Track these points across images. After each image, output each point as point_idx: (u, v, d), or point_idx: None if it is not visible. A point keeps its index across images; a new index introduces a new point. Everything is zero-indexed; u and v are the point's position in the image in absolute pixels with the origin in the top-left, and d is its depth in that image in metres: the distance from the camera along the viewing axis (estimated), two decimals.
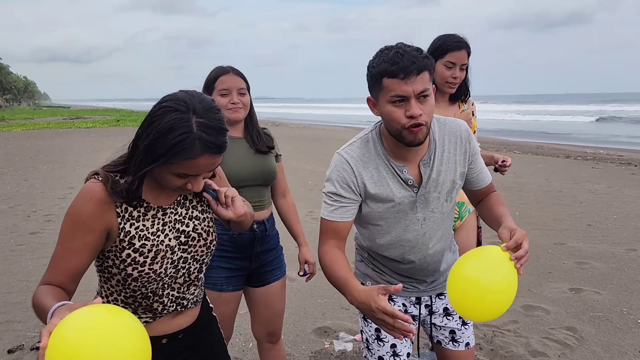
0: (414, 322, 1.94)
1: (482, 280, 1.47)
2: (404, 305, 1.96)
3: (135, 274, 1.42)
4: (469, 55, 2.60)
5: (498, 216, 1.74)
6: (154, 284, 1.46)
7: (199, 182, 1.41)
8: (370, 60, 1.66)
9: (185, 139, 1.28)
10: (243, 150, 2.31)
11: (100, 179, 1.39)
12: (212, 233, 1.58)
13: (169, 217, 1.48)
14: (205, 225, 1.56)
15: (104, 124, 30.48)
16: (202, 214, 1.57)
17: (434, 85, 1.67)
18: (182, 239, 1.50)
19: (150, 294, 1.48)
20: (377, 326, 1.80)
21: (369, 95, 1.70)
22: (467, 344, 2.00)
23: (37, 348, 3.45)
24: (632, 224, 6.64)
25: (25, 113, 50.88)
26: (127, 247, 1.40)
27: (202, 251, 1.55)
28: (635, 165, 12.59)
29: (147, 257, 1.43)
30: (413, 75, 1.55)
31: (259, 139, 2.36)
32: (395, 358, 1.89)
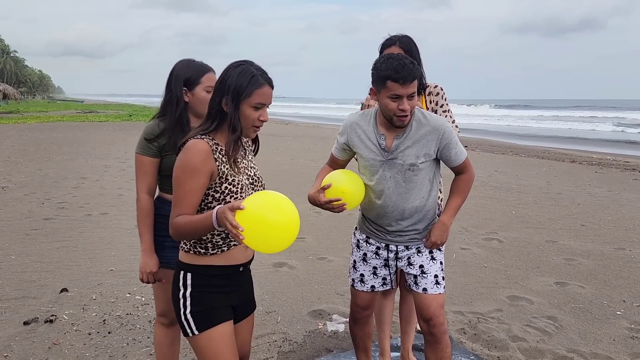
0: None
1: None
2: (377, 248, 2.62)
3: (232, 201, 1.90)
4: (419, 79, 2.39)
5: (445, 206, 2.56)
6: None
7: (266, 113, 1.96)
8: (376, 62, 2.35)
9: (254, 75, 1.90)
10: None
11: (198, 137, 1.90)
12: (262, 179, 2.14)
13: (241, 164, 2.02)
14: (259, 173, 2.12)
15: (117, 118, 30.93)
16: (255, 166, 2.14)
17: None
18: (250, 180, 2.04)
19: None
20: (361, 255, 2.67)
21: (372, 87, 2.40)
22: (425, 289, 2.53)
23: (51, 321, 3.72)
24: (625, 225, 6.82)
25: (40, 106, 51.57)
26: (224, 181, 1.92)
27: (261, 189, 2.07)
28: None
29: (237, 188, 1.95)
30: (409, 82, 2.26)
31: None
32: (361, 283, 2.66)
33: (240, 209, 1.69)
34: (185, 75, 2.47)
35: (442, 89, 2.99)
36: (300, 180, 9.62)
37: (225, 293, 2.02)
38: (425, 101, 2.99)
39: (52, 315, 3.81)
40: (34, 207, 7.40)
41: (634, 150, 19.79)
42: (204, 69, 2.49)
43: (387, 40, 2.90)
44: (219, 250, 1.99)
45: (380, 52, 2.88)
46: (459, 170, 2.55)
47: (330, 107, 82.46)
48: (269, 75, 1.96)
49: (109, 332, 3.59)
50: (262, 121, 1.96)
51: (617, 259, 5.32)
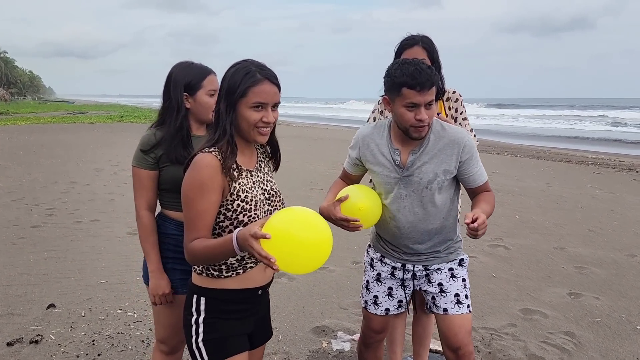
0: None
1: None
2: (392, 268, 2.40)
3: (245, 219, 1.75)
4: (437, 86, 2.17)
5: (475, 207, 2.20)
6: None
7: (270, 113, 1.76)
8: (390, 68, 2.13)
9: (249, 71, 1.72)
10: None
11: (205, 151, 1.73)
12: (280, 193, 1.95)
13: (255, 177, 1.84)
14: (276, 186, 1.94)
15: (108, 119, 30.55)
16: (272, 179, 1.95)
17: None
18: (266, 195, 1.86)
19: None
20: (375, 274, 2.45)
21: (385, 95, 2.19)
22: (445, 310, 2.31)
23: (37, 341, 3.47)
24: (632, 229, 6.65)
25: (30, 107, 50.99)
26: (236, 198, 1.75)
27: (279, 205, 1.90)
28: (637, 171, 12.59)
29: (251, 205, 1.77)
30: (426, 90, 2.05)
31: None
32: (375, 306, 2.44)
33: (265, 238, 1.51)
34: (185, 79, 2.25)
35: (460, 95, 2.76)
36: (296, 184, 9.39)
37: (242, 319, 1.86)
38: (444, 107, 2.77)
39: (38, 335, 3.55)
40: (22, 214, 7.12)
41: (626, 149, 19.75)
42: (205, 71, 2.28)
43: (407, 40, 2.64)
44: (234, 272, 1.82)
45: (398, 54, 2.64)
46: (479, 192, 2.29)
47: (325, 107, 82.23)
48: (272, 72, 1.77)
49: (99, 354, 3.34)
50: (267, 123, 1.76)
51: (629, 268, 5.12)
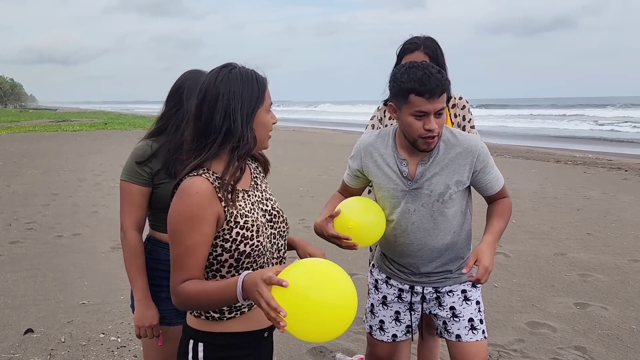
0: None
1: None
2: (399, 290, 2.21)
3: (247, 249, 1.50)
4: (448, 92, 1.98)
5: (486, 228, 2.05)
6: (262, 258, 1.56)
7: (273, 113, 1.61)
8: (396, 73, 1.93)
9: (256, 75, 1.53)
10: None
11: (195, 174, 1.48)
12: (283, 212, 1.72)
13: (253, 198, 1.60)
14: (277, 205, 1.70)
15: (92, 127, 30.03)
16: (272, 196, 1.71)
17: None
18: (267, 216, 1.62)
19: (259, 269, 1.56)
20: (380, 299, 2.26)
21: (391, 102, 1.99)
22: (458, 337, 2.13)
23: None
24: (632, 232, 6.51)
25: (11, 116, 50.07)
26: (234, 226, 1.49)
27: (283, 227, 1.67)
28: (626, 170, 12.55)
29: (252, 231, 1.52)
30: (436, 97, 1.86)
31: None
32: (381, 331, 2.25)
33: (282, 285, 1.25)
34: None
35: (467, 102, 2.56)
36: (286, 191, 9.15)
37: None
38: (450, 115, 2.57)
39: None
40: (0, 230, 6.81)
41: (612, 148, 19.79)
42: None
43: (407, 43, 2.43)
44: (238, 312, 1.56)
45: (399, 59, 2.43)
46: (496, 199, 2.16)
47: (311, 110, 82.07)
48: None
49: None
50: (274, 124, 1.62)
51: (633, 273, 4.96)
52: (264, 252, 1.56)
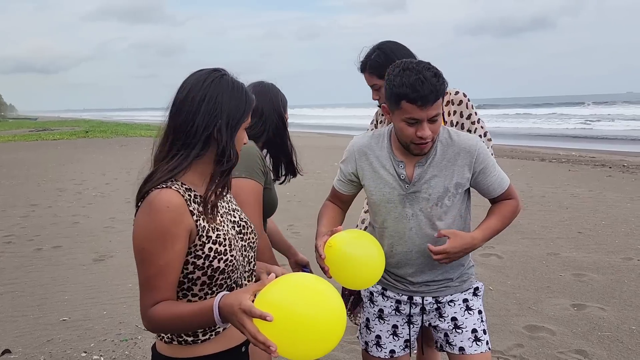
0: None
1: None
2: (397, 302, 2.06)
3: (222, 265, 1.41)
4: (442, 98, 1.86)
5: (481, 223, 1.96)
6: (235, 273, 1.47)
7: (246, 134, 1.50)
8: (390, 73, 1.80)
9: (246, 90, 1.45)
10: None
11: (164, 185, 1.35)
12: (250, 222, 1.61)
13: (221, 209, 1.49)
14: (244, 216, 1.59)
15: (72, 135, 29.53)
16: (237, 206, 1.60)
17: None
18: (237, 228, 1.52)
19: (233, 285, 1.48)
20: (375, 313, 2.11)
21: (385, 104, 1.88)
22: (462, 349, 2.00)
23: None
24: (622, 230, 6.47)
25: None
26: (207, 241, 1.38)
27: (252, 238, 1.57)
28: (610, 167, 12.63)
29: (225, 245, 1.42)
30: (429, 104, 1.73)
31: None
32: (377, 347, 2.09)
33: (265, 319, 1.13)
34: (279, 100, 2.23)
35: (464, 95, 2.42)
36: None
37: None
38: (444, 114, 2.43)
39: None
40: None
41: (594, 145, 20.00)
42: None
43: (361, 63, 2.36)
44: (213, 333, 1.44)
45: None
46: (499, 199, 2.01)
47: (293, 113, 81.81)
48: None
49: None
50: (244, 144, 1.51)
51: (628, 272, 4.90)
52: (237, 266, 1.46)
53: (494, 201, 2.03)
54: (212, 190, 1.40)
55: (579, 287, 4.57)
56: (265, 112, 2.11)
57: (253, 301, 1.19)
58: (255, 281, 1.59)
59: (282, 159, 2.24)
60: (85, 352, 3.58)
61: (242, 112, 1.42)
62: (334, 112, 70.26)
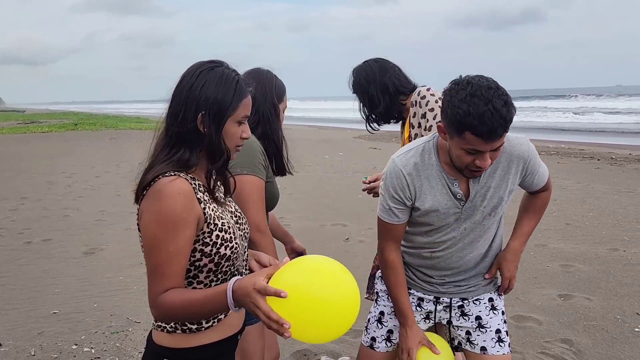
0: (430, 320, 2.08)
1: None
2: (419, 299, 2.03)
3: (228, 252, 1.43)
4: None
5: (515, 228, 2.03)
6: (238, 260, 1.49)
7: (247, 127, 1.48)
8: (453, 95, 1.60)
9: (238, 80, 1.41)
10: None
11: (171, 174, 1.36)
12: (242, 213, 1.62)
13: (219, 199, 1.51)
14: (237, 206, 1.61)
15: (61, 127, 29.28)
16: (230, 197, 1.60)
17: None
18: (235, 218, 1.54)
19: (236, 272, 1.50)
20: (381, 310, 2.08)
21: (441, 123, 1.70)
22: (484, 349, 1.98)
23: None
24: (609, 221, 6.56)
25: None
26: (214, 228, 1.40)
27: (246, 229, 1.59)
28: (598, 159, 12.74)
29: (230, 233, 1.44)
30: (497, 138, 1.59)
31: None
32: (387, 343, 2.06)
33: (280, 296, 1.15)
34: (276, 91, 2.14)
35: (428, 90, 2.36)
36: None
37: None
38: (409, 117, 2.41)
39: None
40: None
41: (583, 137, 20.14)
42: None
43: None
44: (216, 320, 1.46)
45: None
46: (538, 192, 2.03)
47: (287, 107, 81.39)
48: None
49: None
50: (245, 138, 1.48)
51: (614, 262, 4.98)
52: (240, 253, 1.50)
53: (531, 192, 2.02)
54: (213, 185, 1.43)
55: (566, 277, 4.64)
56: (258, 100, 2.01)
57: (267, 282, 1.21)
58: (249, 271, 1.61)
59: (271, 154, 2.11)
60: (76, 345, 3.60)
61: (228, 103, 1.38)
62: (325, 104, 70.18)
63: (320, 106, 68.09)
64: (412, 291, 2.04)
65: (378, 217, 1.92)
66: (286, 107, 2.16)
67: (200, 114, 1.37)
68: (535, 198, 2.02)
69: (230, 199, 1.59)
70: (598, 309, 3.93)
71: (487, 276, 1.92)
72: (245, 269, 1.58)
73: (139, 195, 1.39)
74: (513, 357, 3.23)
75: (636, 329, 3.60)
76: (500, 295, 2.06)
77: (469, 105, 1.56)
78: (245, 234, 1.57)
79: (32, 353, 3.50)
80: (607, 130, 22.91)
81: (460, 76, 1.68)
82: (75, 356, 3.44)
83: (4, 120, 44.10)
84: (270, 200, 2.08)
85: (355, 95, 2.49)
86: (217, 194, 1.49)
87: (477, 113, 1.55)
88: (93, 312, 4.13)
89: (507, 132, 1.63)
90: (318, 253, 1.53)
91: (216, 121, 1.38)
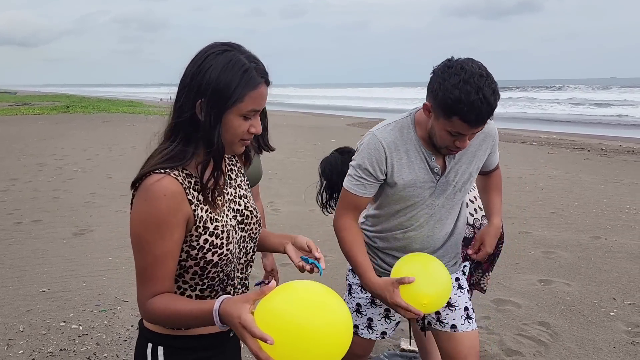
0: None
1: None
2: None
3: (215, 258, 1.35)
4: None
5: (489, 207, 2.08)
6: (229, 267, 1.42)
7: (259, 122, 1.35)
8: (446, 78, 1.63)
9: (247, 69, 1.27)
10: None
11: (162, 171, 1.28)
12: (257, 211, 1.53)
13: (225, 197, 1.42)
14: (252, 204, 1.51)
15: (53, 110, 29.08)
16: (247, 192, 1.52)
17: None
18: (239, 217, 1.45)
19: (225, 278, 1.43)
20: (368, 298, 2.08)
21: (427, 102, 1.74)
22: (454, 327, 2.03)
23: None
24: (593, 210, 6.66)
25: None
26: (203, 232, 1.32)
27: (255, 228, 1.51)
28: (588, 150, 12.86)
29: (222, 238, 1.36)
30: (482, 124, 1.66)
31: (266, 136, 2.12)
32: (369, 330, 2.11)
33: (266, 342, 1.07)
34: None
35: None
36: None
37: None
38: None
39: None
40: None
41: (576, 128, 20.27)
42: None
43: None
44: None
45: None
46: (491, 172, 2.13)
47: (278, 93, 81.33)
48: (264, 66, 1.33)
49: None
50: (253, 134, 1.35)
51: (595, 250, 5.08)
52: (231, 259, 1.42)
53: (487, 174, 2.10)
54: (207, 179, 1.32)
55: (547, 263, 4.74)
56: None
57: (254, 310, 1.14)
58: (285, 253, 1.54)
59: None
60: (64, 322, 3.65)
61: (231, 90, 1.24)
62: (319, 92, 70.00)
63: (313, 93, 67.90)
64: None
65: (344, 187, 1.91)
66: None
67: (199, 101, 1.25)
68: (492, 177, 2.11)
69: (244, 194, 1.50)
70: (576, 294, 4.03)
71: (469, 251, 1.95)
72: (245, 271, 1.52)
73: (133, 188, 1.32)
74: (491, 338, 3.34)
75: (611, 313, 3.70)
76: (465, 273, 2.14)
77: (461, 92, 1.59)
78: (252, 235, 1.50)
79: (21, 329, 3.55)
80: (599, 122, 23.06)
81: (452, 57, 1.71)
82: (63, 332, 3.50)
83: None
84: (251, 178, 2.04)
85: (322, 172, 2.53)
86: (215, 189, 1.36)
87: (469, 101, 1.59)
88: (81, 291, 4.18)
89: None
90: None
91: (214, 112, 1.26)
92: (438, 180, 1.88)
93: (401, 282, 1.72)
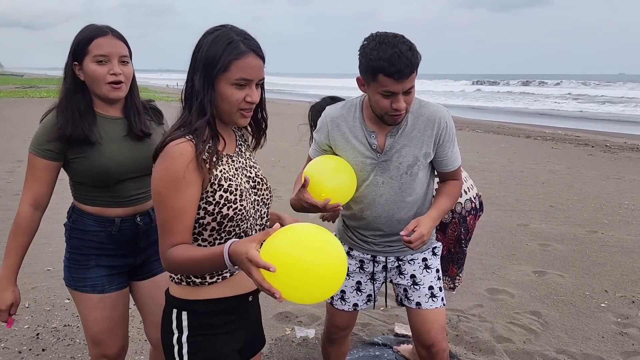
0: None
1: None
2: (361, 261, 2.21)
3: (230, 212, 1.49)
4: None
5: (433, 204, 2.08)
6: (245, 223, 1.54)
7: (255, 92, 1.49)
8: (365, 47, 1.85)
9: (232, 41, 1.43)
10: (123, 133, 1.96)
11: (177, 136, 1.45)
12: (267, 179, 1.69)
13: (237, 164, 1.58)
14: (262, 173, 1.68)
15: (60, 93, 29.16)
16: (256, 163, 1.69)
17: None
18: (251, 183, 1.60)
19: (242, 234, 1.55)
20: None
21: (359, 76, 1.93)
22: (418, 304, 2.15)
23: None
24: (592, 205, 6.72)
25: None
26: (218, 189, 1.47)
27: (267, 194, 1.65)
28: (592, 146, 12.86)
29: (236, 195, 1.50)
30: (405, 77, 1.79)
31: (139, 120, 1.99)
32: (342, 301, 2.26)
33: (269, 270, 1.22)
34: (76, 42, 1.88)
35: None
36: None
37: (231, 333, 1.59)
38: None
39: None
40: None
41: (581, 124, 20.22)
42: (93, 31, 1.88)
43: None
44: (219, 277, 1.54)
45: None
46: (448, 179, 2.15)
47: (284, 82, 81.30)
48: (257, 42, 1.48)
49: (43, 350, 3.10)
50: (250, 103, 1.48)
51: (591, 243, 5.15)
52: (247, 216, 1.54)
53: (444, 177, 2.15)
54: (203, 141, 1.45)
55: (543, 255, 4.81)
56: None
57: (259, 250, 1.27)
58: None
59: None
60: (68, 299, 3.76)
61: (215, 61, 1.42)
62: (325, 82, 69.89)
63: (318, 83, 67.77)
64: (352, 252, 2.21)
65: (309, 153, 2.20)
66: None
67: (197, 74, 1.44)
68: (448, 183, 2.14)
69: (254, 165, 1.65)
70: (569, 285, 4.11)
71: (402, 233, 1.90)
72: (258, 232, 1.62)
73: (155, 157, 1.47)
74: (483, 325, 3.42)
75: (602, 305, 3.78)
76: (436, 254, 2.21)
77: (379, 51, 1.79)
78: (264, 200, 1.63)
79: (26, 305, 3.66)
80: (606, 118, 22.98)
81: (371, 34, 1.89)
82: (67, 309, 3.61)
83: (2, 83, 43.83)
84: (96, 173, 1.94)
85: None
86: (232, 155, 1.54)
87: (386, 56, 1.77)
88: None
89: (415, 74, 1.82)
90: (307, 222, 1.63)
91: (204, 80, 1.43)
92: (380, 158, 2.02)
93: (303, 186, 1.92)
